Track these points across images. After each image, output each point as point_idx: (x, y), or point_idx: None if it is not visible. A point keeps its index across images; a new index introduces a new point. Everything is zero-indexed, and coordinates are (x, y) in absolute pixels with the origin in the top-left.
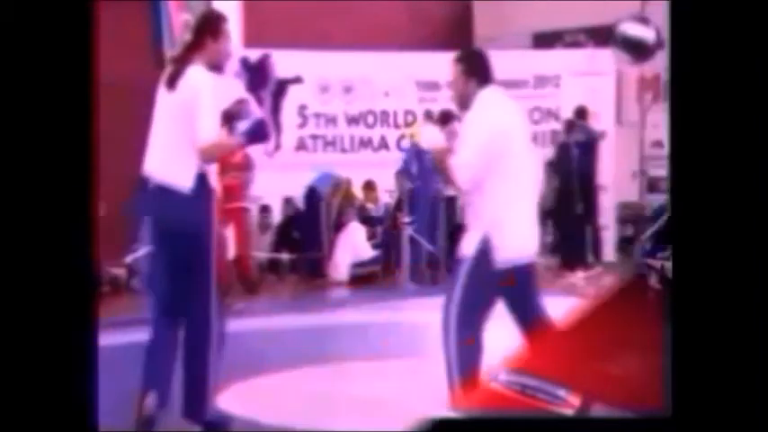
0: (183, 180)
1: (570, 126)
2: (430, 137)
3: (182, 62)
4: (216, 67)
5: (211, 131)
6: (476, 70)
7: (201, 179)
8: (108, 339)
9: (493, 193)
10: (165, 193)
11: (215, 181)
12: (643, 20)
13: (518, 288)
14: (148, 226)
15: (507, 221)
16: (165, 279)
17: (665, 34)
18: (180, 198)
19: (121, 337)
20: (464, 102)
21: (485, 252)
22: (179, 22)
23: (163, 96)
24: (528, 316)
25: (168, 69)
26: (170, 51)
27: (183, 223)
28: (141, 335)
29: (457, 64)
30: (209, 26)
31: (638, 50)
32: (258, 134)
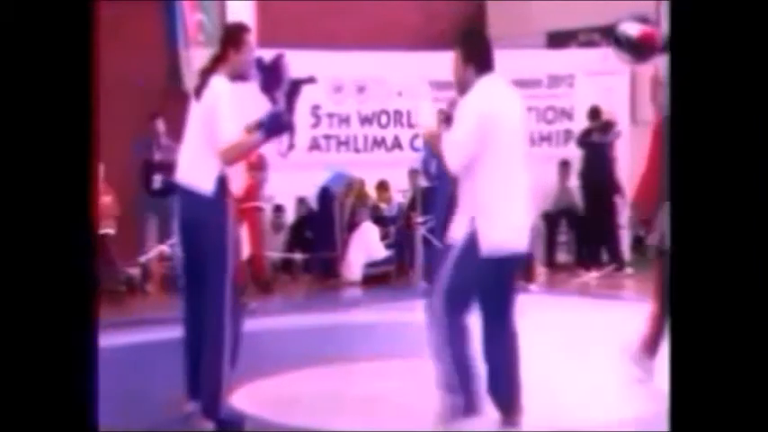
0: (204, 183)
1: (606, 127)
2: (424, 114)
3: (207, 73)
4: (240, 76)
5: (231, 134)
6: (474, 57)
7: (221, 182)
8: (123, 339)
9: (481, 179)
10: (187, 196)
11: (238, 182)
12: (644, 19)
13: (499, 281)
14: (176, 227)
15: (495, 209)
16: (186, 279)
17: (666, 34)
18: (201, 200)
19: (135, 336)
20: (462, 87)
21: (472, 240)
22: (193, 22)
23: (192, 107)
24: (496, 314)
25: (196, 81)
26: (184, 51)
27: (203, 225)
28: (155, 334)
29: (456, 49)
30: (232, 38)
31: (638, 50)
32: (275, 126)
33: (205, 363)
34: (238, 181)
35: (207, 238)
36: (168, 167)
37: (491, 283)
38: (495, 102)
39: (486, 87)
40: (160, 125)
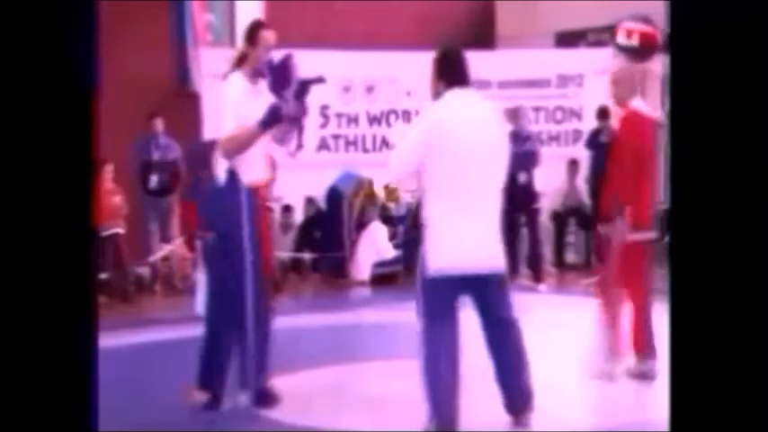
0: (220, 173)
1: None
2: (396, 132)
3: (231, 70)
4: (259, 72)
5: (229, 126)
6: (443, 73)
7: (231, 174)
8: (130, 339)
9: (430, 196)
10: (210, 184)
11: (253, 175)
12: (645, 19)
13: (479, 299)
14: (201, 215)
15: (442, 228)
16: (210, 266)
17: (665, 34)
18: (216, 188)
19: (141, 336)
20: (436, 100)
21: (423, 259)
22: (202, 22)
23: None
24: (490, 332)
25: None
26: (192, 51)
27: (217, 213)
28: (162, 334)
29: (432, 64)
30: (248, 34)
31: (632, 50)
32: (271, 117)
33: (235, 339)
34: (253, 174)
35: (222, 224)
36: (165, 167)
37: (475, 297)
38: (450, 112)
39: (448, 99)
40: (159, 124)
